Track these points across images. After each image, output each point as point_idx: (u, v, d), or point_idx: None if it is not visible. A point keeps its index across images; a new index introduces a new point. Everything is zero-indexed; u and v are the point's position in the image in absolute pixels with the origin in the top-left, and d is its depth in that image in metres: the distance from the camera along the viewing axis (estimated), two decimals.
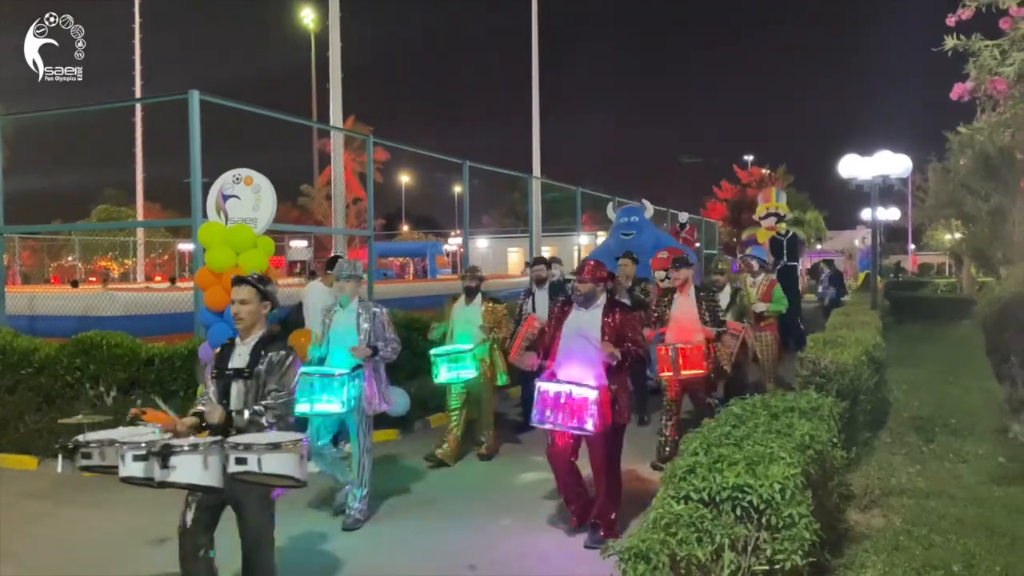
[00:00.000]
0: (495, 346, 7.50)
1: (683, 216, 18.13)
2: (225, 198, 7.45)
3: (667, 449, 6.94)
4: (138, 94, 28.64)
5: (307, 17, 34.85)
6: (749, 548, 2.72)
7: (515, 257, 40.64)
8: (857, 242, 40.73)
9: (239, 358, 3.86)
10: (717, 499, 2.83)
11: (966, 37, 4.37)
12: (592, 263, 5.50)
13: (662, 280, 9.15)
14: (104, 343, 7.78)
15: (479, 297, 7.57)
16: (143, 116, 29.90)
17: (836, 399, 5.12)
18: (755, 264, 9.31)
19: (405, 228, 54.38)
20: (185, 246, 35.09)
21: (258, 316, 3.91)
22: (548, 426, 4.99)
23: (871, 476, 5.62)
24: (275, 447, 3.31)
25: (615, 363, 5.07)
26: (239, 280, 3.98)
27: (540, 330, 6.05)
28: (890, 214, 27.81)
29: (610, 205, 12.61)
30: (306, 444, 3.47)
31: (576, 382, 4.93)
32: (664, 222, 19.57)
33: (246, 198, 7.43)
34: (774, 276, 9.46)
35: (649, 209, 12.02)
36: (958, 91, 4.51)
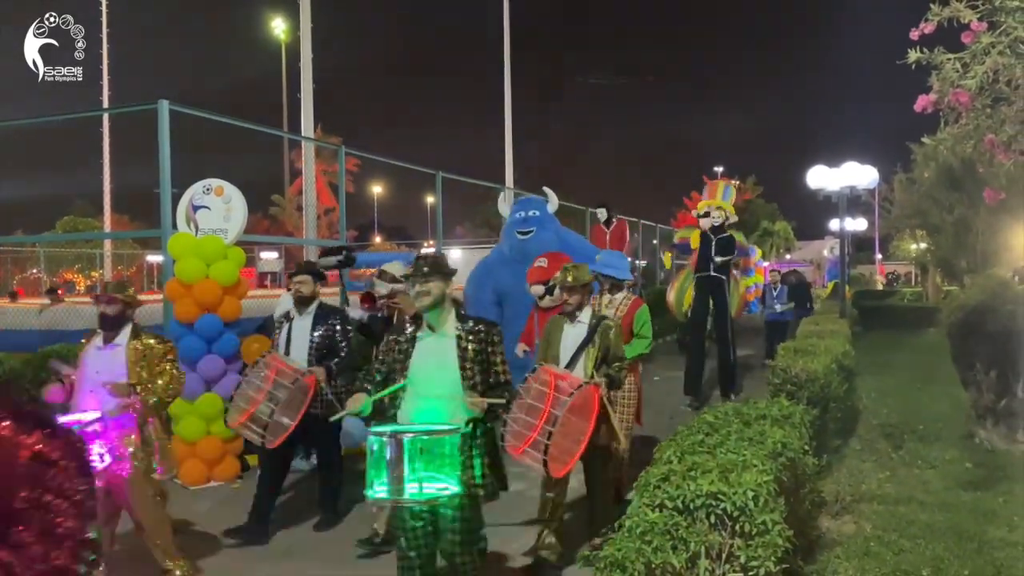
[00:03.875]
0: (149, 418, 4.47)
1: (601, 213, 13.67)
2: (195, 209, 7.37)
3: None
4: (106, 103, 28.29)
5: (278, 27, 34.69)
6: (723, 555, 2.73)
7: None
8: (826, 252, 41.30)
9: None
10: (691, 507, 2.84)
11: (929, 50, 4.46)
12: None
13: (541, 297, 6.71)
14: (71, 356, 7.63)
15: (127, 331, 4.54)
16: (111, 126, 29.51)
17: (807, 407, 5.17)
18: (604, 281, 6.12)
19: (378, 239, 54.17)
20: (154, 258, 34.63)
21: None
22: None
23: (842, 483, 5.69)
24: None
25: None
26: None
27: None
28: (857, 224, 28.28)
29: (501, 197, 9.59)
30: None
31: None
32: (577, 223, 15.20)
33: (216, 209, 7.36)
34: (637, 295, 6.64)
35: (553, 200, 9.24)
36: (922, 103, 4.61)
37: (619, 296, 6.04)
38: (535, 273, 7.09)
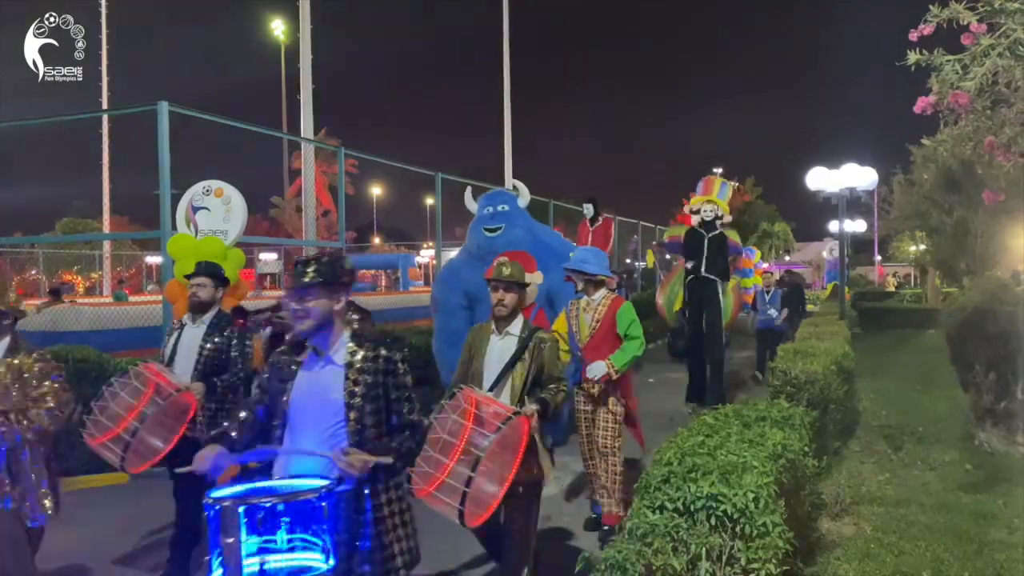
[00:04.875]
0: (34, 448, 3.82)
1: (588, 209, 12.54)
2: (195, 210, 7.40)
3: None
4: (105, 104, 28.29)
5: (277, 29, 34.69)
6: (724, 557, 2.73)
7: None
8: (825, 253, 41.37)
9: None
10: (692, 508, 2.84)
11: (929, 52, 4.47)
12: None
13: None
14: (70, 358, 7.64)
15: (3, 346, 3.95)
16: (111, 127, 29.51)
17: (807, 408, 5.18)
18: (578, 280, 5.64)
19: (377, 240, 54.19)
20: (153, 259, 34.65)
21: None
22: None
23: (842, 484, 5.70)
24: None
25: None
26: None
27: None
28: (857, 226, 28.32)
29: (468, 191, 8.74)
30: None
31: None
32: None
33: (216, 210, 7.39)
34: (618, 293, 5.84)
35: (524, 194, 8.30)
36: (921, 104, 4.61)
37: (597, 296, 5.43)
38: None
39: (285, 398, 2.91)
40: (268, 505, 2.46)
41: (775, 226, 48.97)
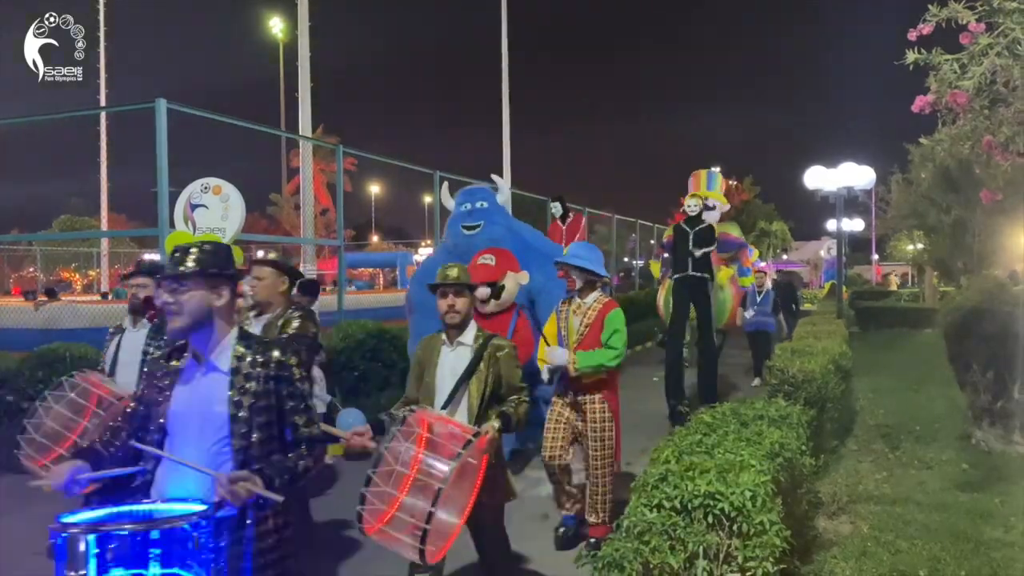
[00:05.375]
0: None
1: (555, 207, 11.75)
2: (193, 207, 7.39)
3: None
4: (103, 102, 28.26)
5: (276, 27, 34.68)
6: (721, 555, 2.73)
7: None
8: (822, 252, 41.44)
9: None
10: (689, 507, 2.84)
11: (927, 51, 4.47)
12: None
13: (485, 301, 6.09)
14: (67, 355, 7.63)
15: None
16: (109, 125, 29.50)
17: (804, 407, 5.18)
18: (577, 278, 5.03)
19: (375, 238, 54.20)
20: (151, 257, 34.61)
21: None
22: None
23: (839, 483, 5.70)
24: None
25: None
26: None
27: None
28: (854, 225, 28.34)
29: (444, 187, 8.39)
30: None
31: None
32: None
33: (214, 207, 7.39)
34: (609, 296, 5.30)
35: (503, 190, 7.97)
36: (919, 104, 4.61)
37: (589, 299, 4.93)
38: (479, 271, 6.13)
39: (162, 410, 2.50)
40: (124, 534, 2.07)
41: (773, 225, 49.06)
